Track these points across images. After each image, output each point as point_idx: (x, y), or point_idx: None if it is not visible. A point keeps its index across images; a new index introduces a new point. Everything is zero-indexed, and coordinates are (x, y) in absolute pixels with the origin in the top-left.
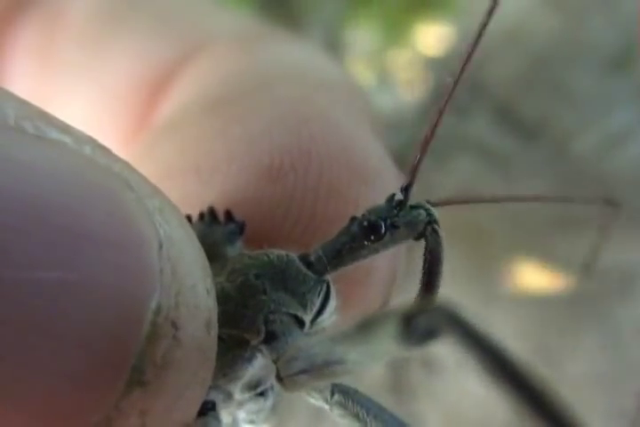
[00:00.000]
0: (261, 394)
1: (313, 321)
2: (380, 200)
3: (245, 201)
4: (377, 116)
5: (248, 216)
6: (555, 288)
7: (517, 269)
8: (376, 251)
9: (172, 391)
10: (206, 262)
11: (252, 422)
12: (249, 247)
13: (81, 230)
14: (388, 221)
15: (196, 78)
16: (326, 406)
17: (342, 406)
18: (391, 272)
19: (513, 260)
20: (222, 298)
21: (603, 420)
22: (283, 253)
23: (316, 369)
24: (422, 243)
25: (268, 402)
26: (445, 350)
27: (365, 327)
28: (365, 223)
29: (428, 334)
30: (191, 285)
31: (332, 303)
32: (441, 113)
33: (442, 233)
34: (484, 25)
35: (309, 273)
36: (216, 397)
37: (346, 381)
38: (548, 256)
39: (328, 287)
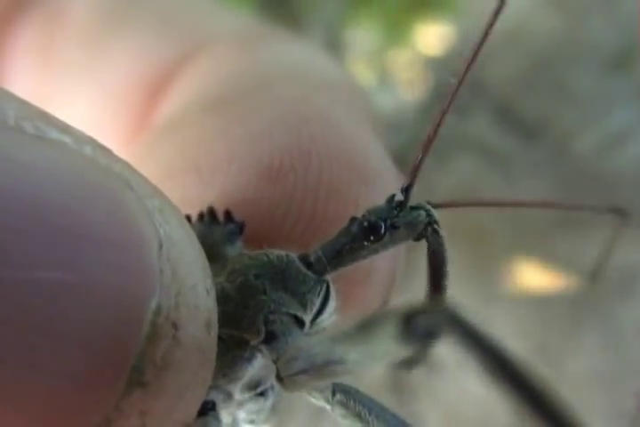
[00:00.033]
0: (261, 394)
1: (313, 321)
2: (380, 200)
3: (245, 201)
4: (377, 116)
5: (248, 216)
6: (555, 288)
7: (518, 269)
8: (376, 251)
9: (172, 392)
10: (206, 263)
11: (252, 422)
12: (249, 247)
13: (81, 230)
14: (388, 222)
15: (196, 78)
16: (328, 406)
17: (344, 405)
18: (391, 272)
19: (513, 260)
20: (222, 298)
21: (603, 420)
22: (283, 253)
23: (317, 369)
24: (423, 243)
25: (268, 402)
26: (445, 350)
27: (366, 327)
28: (365, 224)
29: (429, 334)
30: (191, 285)
31: (332, 304)
32: (444, 114)
33: (443, 233)
34: (491, 25)
35: (309, 273)
36: (216, 397)
37: (346, 381)
38: (548, 256)
39: (328, 287)
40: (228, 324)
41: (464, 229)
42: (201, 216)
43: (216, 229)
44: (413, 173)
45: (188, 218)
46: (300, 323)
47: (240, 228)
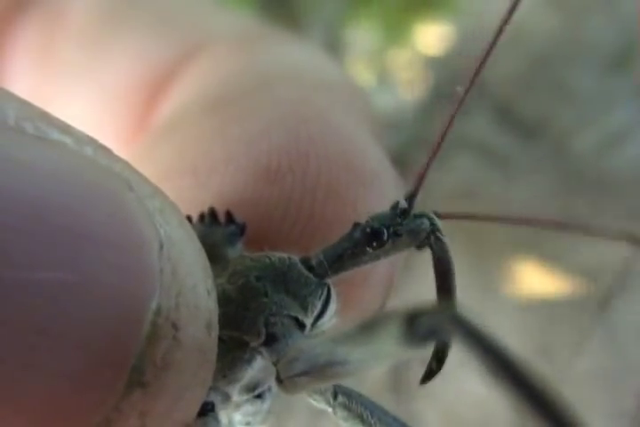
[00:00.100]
0: (259, 396)
1: (313, 324)
2: (378, 202)
3: (243, 202)
4: (377, 116)
5: (245, 217)
6: (556, 289)
7: (518, 269)
8: (377, 257)
9: (172, 392)
10: (207, 263)
11: (248, 424)
12: (248, 249)
13: (81, 231)
14: (391, 229)
15: (195, 78)
16: (329, 409)
17: (346, 407)
18: (389, 275)
19: (513, 260)
20: (223, 300)
21: (603, 419)
22: (284, 255)
23: (318, 370)
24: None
25: (265, 404)
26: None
27: (368, 328)
28: (368, 230)
29: (431, 335)
30: (192, 285)
31: (333, 307)
32: (451, 120)
33: (446, 240)
34: (505, 22)
35: (311, 276)
36: (214, 398)
37: (347, 382)
38: (548, 256)
39: (329, 291)
40: (228, 325)
41: (464, 229)
42: (202, 217)
43: (217, 230)
44: (418, 182)
45: (189, 219)
46: (301, 325)
47: (241, 229)
